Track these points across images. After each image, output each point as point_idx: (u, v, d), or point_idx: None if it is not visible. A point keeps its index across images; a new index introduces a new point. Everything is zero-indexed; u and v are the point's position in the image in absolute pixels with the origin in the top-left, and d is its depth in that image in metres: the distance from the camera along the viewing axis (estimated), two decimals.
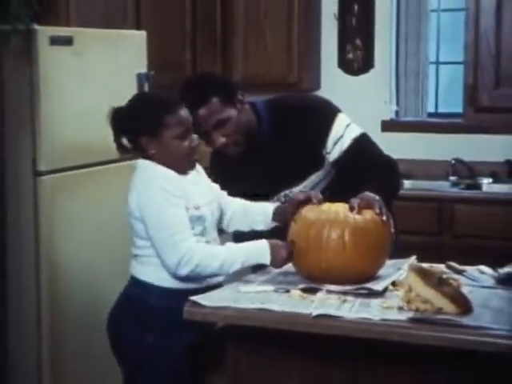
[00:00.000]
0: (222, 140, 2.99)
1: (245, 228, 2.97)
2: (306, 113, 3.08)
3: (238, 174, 3.03)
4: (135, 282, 2.84)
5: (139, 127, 2.78)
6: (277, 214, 2.90)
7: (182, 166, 2.80)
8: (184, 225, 2.72)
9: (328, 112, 3.10)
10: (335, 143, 3.04)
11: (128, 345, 2.85)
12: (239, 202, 2.98)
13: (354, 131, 3.07)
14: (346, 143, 3.04)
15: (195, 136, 2.83)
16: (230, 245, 2.77)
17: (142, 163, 2.82)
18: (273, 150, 3.05)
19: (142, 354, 2.81)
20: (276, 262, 2.72)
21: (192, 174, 2.85)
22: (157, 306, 2.76)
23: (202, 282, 2.75)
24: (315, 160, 3.08)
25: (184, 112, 2.80)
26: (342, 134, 3.04)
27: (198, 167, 2.93)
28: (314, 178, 3.10)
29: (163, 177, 2.75)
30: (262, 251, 2.72)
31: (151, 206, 2.73)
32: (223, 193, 2.97)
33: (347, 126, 3.06)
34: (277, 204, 2.95)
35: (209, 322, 2.51)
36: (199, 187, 2.84)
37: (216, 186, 2.95)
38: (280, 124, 3.07)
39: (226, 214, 2.96)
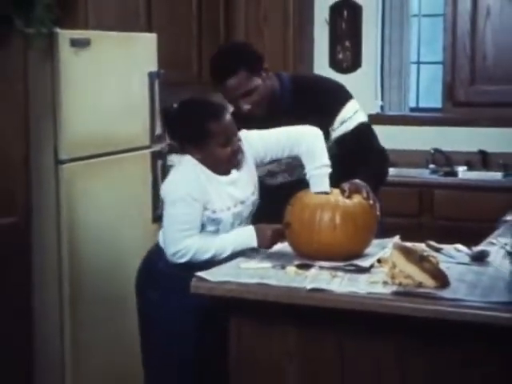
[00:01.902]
0: (248, 107, 2.99)
1: None
2: (323, 91, 3.10)
3: None
4: (154, 247, 2.88)
5: (185, 136, 2.77)
6: None
7: (224, 169, 2.79)
8: (191, 224, 2.72)
9: (342, 95, 3.12)
10: (342, 123, 3.05)
11: (138, 301, 2.88)
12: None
13: (361, 117, 3.10)
14: (351, 125, 3.06)
15: (238, 136, 2.79)
16: (222, 235, 2.76)
17: (187, 158, 2.80)
18: (288, 117, 3.01)
19: (146, 309, 2.84)
20: (263, 243, 2.73)
21: (233, 174, 2.82)
22: (163, 268, 2.78)
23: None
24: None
25: (228, 117, 2.76)
26: (350, 117, 3.06)
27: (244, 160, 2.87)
28: None
29: (193, 177, 2.74)
30: (249, 236, 2.73)
31: (171, 199, 2.74)
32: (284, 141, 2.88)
33: (356, 111, 3.09)
34: None
35: (213, 295, 2.50)
36: (234, 188, 2.80)
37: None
38: (299, 96, 3.07)
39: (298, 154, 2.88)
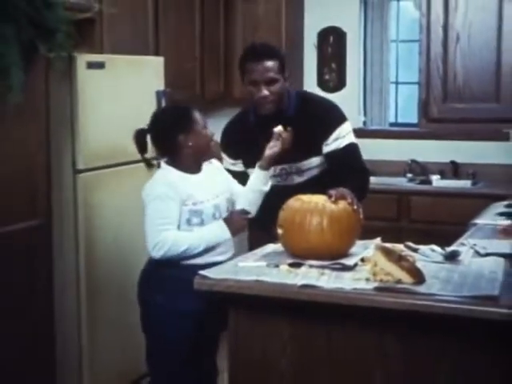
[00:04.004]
0: (267, 93, 2.98)
1: (251, 205, 2.94)
2: (324, 108, 3.12)
3: (248, 144, 3.04)
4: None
5: (175, 128, 2.79)
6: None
7: (207, 155, 2.86)
8: (167, 219, 2.72)
9: (340, 116, 3.13)
10: (335, 139, 3.06)
11: (143, 303, 2.85)
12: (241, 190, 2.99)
13: (352, 138, 3.12)
14: (343, 143, 3.07)
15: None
16: (197, 231, 2.77)
17: (162, 165, 2.84)
18: (289, 124, 3.00)
19: (152, 312, 2.82)
20: (235, 230, 2.77)
21: (203, 173, 2.86)
22: (166, 273, 2.77)
23: (204, 259, 2.75)
24: (316, 148, 3.08)
25: (197, 113, 2.84)
26: (343, 135, 3.07)
27: (216, 164, 2.95)
28: (310, 161, 3.10)
29: (168, 178, 2.77)
30: (220, 228, 2.75)
31: (149, 199, 2.76)
32: (234, 184, 2.98)
33: (349, 132, 3.11)
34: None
35: (213, 291, 2.50)
36: (206, 184, 2.83)
37: (230, 180, 2.96)
38: (302, 108, 3.08)
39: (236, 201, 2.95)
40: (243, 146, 3.08)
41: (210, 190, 2.84)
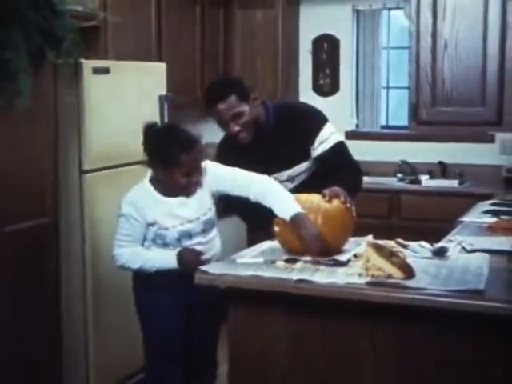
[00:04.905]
0: (237, 128, 2.95)
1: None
2: (303, 115, 3.07)
3: (241, 158, 2.95)
4: None
5: (157, 156, 2.70)
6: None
7: (176, 193, 2.75)
8: (129, 237, 2.76)
9: (320, 118, 3.09)
10: (321, 143, 3.03)
11: (136, 299, 2.88)
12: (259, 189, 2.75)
13: (337, 138, 3.07)
14: (329, 145, 3.03)
15: (203, 168, 2.74)
16: (153, 252, 2.77)
17: (145, 179, 2.80)
18: (273, 140, 2.99)
19: (143, 306, 2.84)
20: (186, 264, 2.70)
21: (181, 198, 2.77)
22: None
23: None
24: (303, 153, 3.04)
25: (198, 150, 2.69)
26: (327, 138, 3.03)
27: (208, 173, 2.80)
28: (299, 167, 3.06)
29: (138, 200, 2.75)
30: (171, 258, 2.73)
31: (119, 213, 2.79)
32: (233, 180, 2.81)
33: (332, 132, 3.06)
34: None
35: (214, 285, 2.50)
36: (179, 209, 2.76)
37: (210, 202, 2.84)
38: (282, 122, 3.04)
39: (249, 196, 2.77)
40: (240, 162, 2.92)
41: (183, 215, 2.76)
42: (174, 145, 2.67)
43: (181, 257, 2.72)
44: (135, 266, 2.77)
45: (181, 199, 2.77)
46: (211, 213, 2.84)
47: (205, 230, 2.82)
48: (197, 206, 2.79)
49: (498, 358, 2.15)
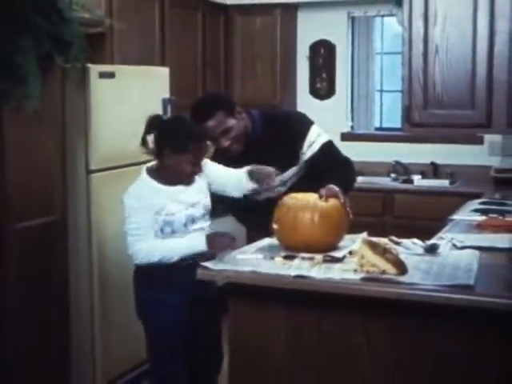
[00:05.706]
0: (227, 143, 2.95)
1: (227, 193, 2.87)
2: (288, 122, 3.05)
3: (231, 166, 2.94)
4: None
5: (169, 141, 2.70)
6: (252, 173, 2.83)
7: (178, 181, 2.74)
8: (141, 230, 2.69)
9: (305, 123, 3.06)
10: (309, 146, 3.01)
11: (136, 297, 2.85)
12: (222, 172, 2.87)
13: (323, 139, 3.05)
14: (317, 147, 3.01)
15: (204, 162, 2.76)
16: (173, 242, 2.70)
17: (142, 172, 2.77)
18: (262, 148, 2.98)
19: (144, 304, 2.81)
20: (214, 245, 2.64)
21: (180, 187, 2.76)
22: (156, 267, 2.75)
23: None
24: (292, 158, 3.03)
25: (206, 144, 2.72)
26: (314, 141, 3.01)
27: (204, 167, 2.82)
28: (290, 171, 3.05)
29: (141, 192, 2.71)
30: (195, 241, 2.67)
31: (126, 209, 2.73)
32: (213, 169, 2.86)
33: (318, 135, 3.04)
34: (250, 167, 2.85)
35: (214, 280, 2.49)
36: (182, 195, 2.75)
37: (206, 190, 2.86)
38: (269, 129, 3.02)
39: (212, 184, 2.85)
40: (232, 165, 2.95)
41: (185, 200, 2.76)
42: (187, 133, 2.70)
43: (211, 240, 2.67)
44: (153, 259, 2.69)
45: (179, 187, 2.76)
46: (208, 199, 2.85)
47: (204, 215, 2.83)
48: (196, 191, 2.81)
49: (496, 352, 2.14)
